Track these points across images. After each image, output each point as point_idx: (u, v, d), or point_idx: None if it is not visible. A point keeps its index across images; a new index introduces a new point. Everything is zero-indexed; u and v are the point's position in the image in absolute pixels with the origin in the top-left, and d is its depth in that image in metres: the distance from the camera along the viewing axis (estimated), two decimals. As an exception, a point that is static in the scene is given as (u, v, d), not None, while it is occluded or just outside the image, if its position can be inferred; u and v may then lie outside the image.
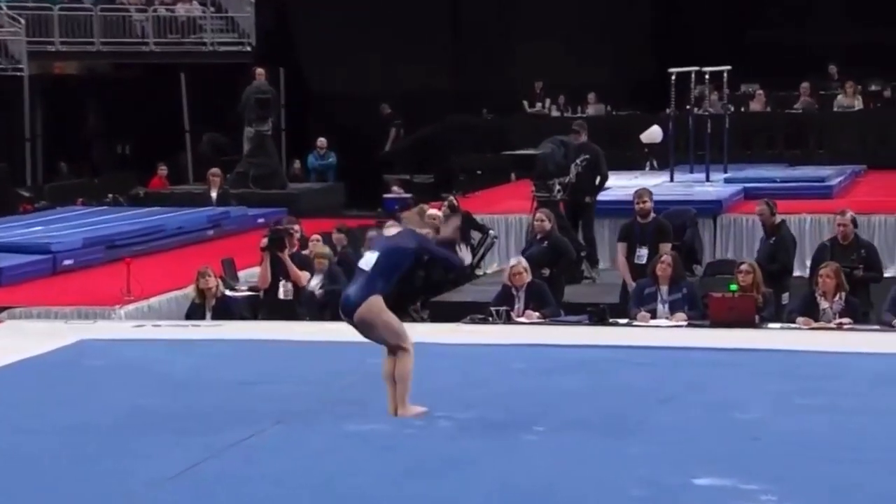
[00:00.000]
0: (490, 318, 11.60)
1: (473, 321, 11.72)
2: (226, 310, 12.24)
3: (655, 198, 18.46)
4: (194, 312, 12.28)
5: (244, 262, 14.81)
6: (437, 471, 6.93)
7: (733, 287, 11.11)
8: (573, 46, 28.20)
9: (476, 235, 17.29)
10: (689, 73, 22.06)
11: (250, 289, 13.77)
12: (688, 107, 22.47)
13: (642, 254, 12.90)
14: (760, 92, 25.83)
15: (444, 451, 7.33)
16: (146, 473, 6.96)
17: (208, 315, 12.14)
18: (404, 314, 14.98)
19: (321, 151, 24.97)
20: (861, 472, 6.71)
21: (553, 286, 12.67)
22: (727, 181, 20.80)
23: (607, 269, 16.78)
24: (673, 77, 21.60)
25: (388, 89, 27.65)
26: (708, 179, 21.18)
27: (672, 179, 21.31)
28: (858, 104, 25.32)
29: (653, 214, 13.14)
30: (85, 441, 7.63)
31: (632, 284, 12.85)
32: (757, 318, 11.01)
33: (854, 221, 12.63)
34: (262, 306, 12.35)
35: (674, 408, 8.17)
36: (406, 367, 7.93)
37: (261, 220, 18.98)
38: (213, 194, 20.01)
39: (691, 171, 22.02)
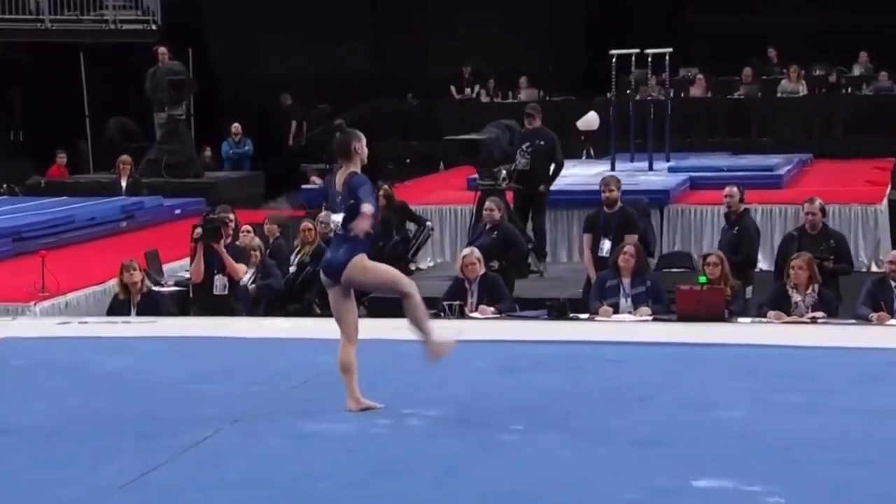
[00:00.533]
0: (442, 314, 11.50)
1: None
2: (152, 305, 12.05)
3: (590, 188, 18.76)
4: (118, 308, 12.08)
5: (164, 256, 14.62)
6: (412, 472, 6.81)
7: (702, 279, 11.12)
8: (503, 29, 28.20)
9: (411, 228, 17.29)
10: (628, 55, 22.13)
11: (176, 283, 13.59)
12: (628, 91, 22.54)
13: (605, 246, 12.82)
14: (701, 77, 26.03)
15: (418, 451, 7.22)
16: (92, 481, 6.75)
17: (133, 311, 11.95)
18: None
19: (236, 138, 24.71)
20: (859, 473, 6.72)
21: (503, 279, 12.60)
22: (671, 170, 20.90)
23: (553, 263, 16.85)
24: (613, 60, 21.66)
25: (304, 72, 27.43)
26: (651, 168, 21.27)
27: (613, 168, 21.36)
28: (803, 90, 25.59)
29: (619, 204, 13.07)
30: (17, 447, 7.40)
31: (594, 278, 12.84)
32: (726, 312, 11.03)
33: (823, 210, 12.71)
34: (195, 302, 12.14)
35: (652, 406, 8.11)
36: (415, 312, 7.88)
37: (177, 212, 18.78)
38: (123, 183, 19.71)
39: (632, 160, 22.11)
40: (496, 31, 28.11)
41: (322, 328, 10.73)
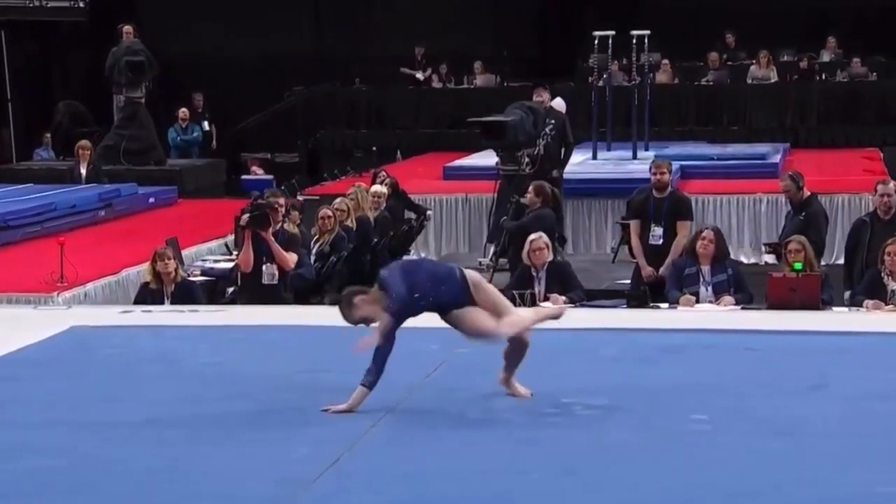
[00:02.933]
0: (514, 304, 11.28)
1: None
2: (187, 295, 11.68)
3: (582, 176, 18.80)
4: (149, 298, 11.69)
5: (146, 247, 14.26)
6: (615, 463, 6.67)
7: (798, 266, 11.04)
8: (454, 11, 28.03)
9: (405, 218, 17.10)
10: (606, 37, 22.02)
11: (202, 273, 13.26)
12: (590, 78, 22.47)
13: (657, 232, 12.74)
14: (666, 62, 26.07)
15: (606, 441, 7.05)
16: (277, 474, 6.50)
17: (167, 300, 11.60)
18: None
19: (183, 124, 24.18)
20: None
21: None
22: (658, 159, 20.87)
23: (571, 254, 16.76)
24: (596, 41, 21.61)
25: (244, 54, 26.99)
26: (635, 157, 21.27)
27: (595, 157, 21.36)
28: (774, 76, 25.79)
29: (670, 188, 12.98)
30: (179, 440, 7.10)
31: (646, 267, 12.76)
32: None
33: None
34: (243, 291, 11.80)
35: (831, 397, 7.95)
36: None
37: (151, 200, 18.36)
38: (83, 171, 19.20)
39: (609, 149, 22.11)
40: (447, 12, 27.93)
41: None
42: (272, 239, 11.58)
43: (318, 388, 8.14)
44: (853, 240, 12.52)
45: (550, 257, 11.84)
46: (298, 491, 6.27)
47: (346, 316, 7.80)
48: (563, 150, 15.89)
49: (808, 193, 13.29)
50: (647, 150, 21.78)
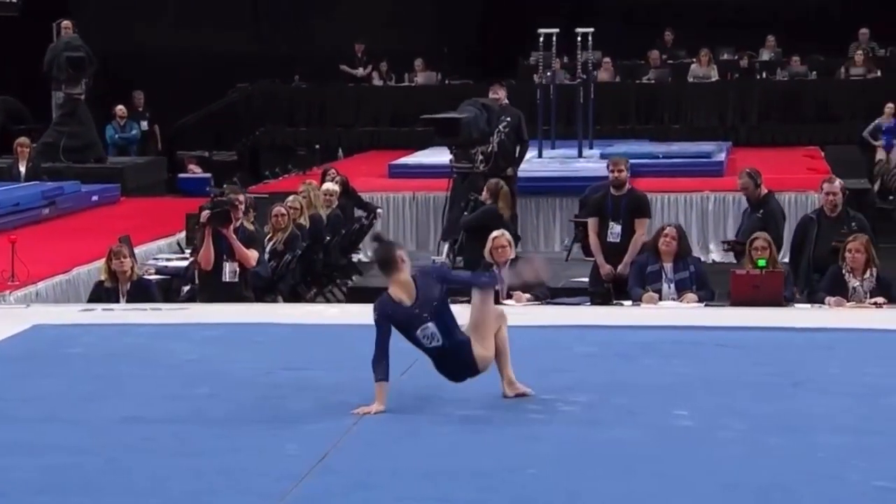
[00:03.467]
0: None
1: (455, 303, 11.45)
2: (143, 293, 11.64)
3: (530, 174, 18.87)
4: (103, 296, 11.63)
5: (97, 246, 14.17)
6: (609, 460, 6.73)
7: (762, 262, 11.16)
8: (393, 7, 28.04)
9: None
10: (551, 34, 22.09)
11: (157, 272, 13.21)
12: (546, 73, 22.56)
13: (616, 230, 12.80)
14: (607, 60, 26.20)
15: (597, 439, 7.10)
16: (269, 469, 6.53)
17: (122, 299, 11.54)
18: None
19: (121, 122, 24.00)
20: None
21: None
22: (605, 157, 20.96)
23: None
24: (541, 38, 21.69)
25: (184, 51, 26.82)
26: (581, 155, 21.41)
27: (541, 155, 21.45)
28: (714, 75, 26.02)
29: (628, 186, 13.06)
30: (164, 437, 7.09)
31: (604, 265, 12.81)
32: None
33: (844, 190, 12.82)
34: (203, 289, 11.76)
35: (816, 392, 8.05)
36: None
37: (94, 199, 18.24)
38: (22, 169, 19.02)
39: (553, 147, 22.21)
40: (387, 9, 27.94)
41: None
42: (234, 236, 11.55)
43: (299, 386, 8.21)
44: (799, 237, 12.69)
45: (513, 255, 11.88)
46: (289, 487, 6.28)
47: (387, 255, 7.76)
48: (518, 148, 15.91)
49: (766, 191, 13.44)
50: (591, 148, 21.94)
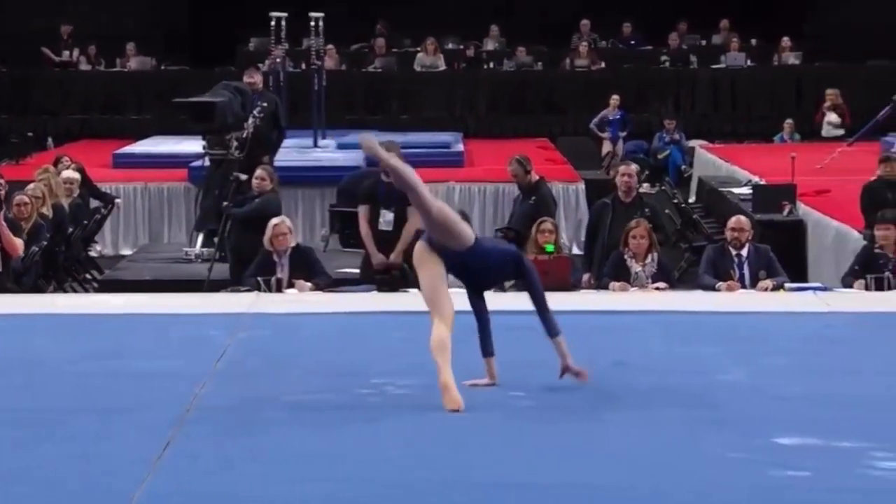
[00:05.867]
0: (260, 290, 11.51)
1: (237, 292, 11.63)
2: None
3: (286, 164, 18.97)
4: None
5: None
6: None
7: (550, 248, 11.65)
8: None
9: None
10: (280, 18, 22.18)
11: None
12: (266, 60, 22.68)
13: (389, 218, 13.01)
14: (331, 47, 26.44)
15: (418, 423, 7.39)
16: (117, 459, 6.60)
17: None
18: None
19: None
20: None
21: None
22: (342, 147, 21.32)
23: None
24: (272, 23, 21.78)
25: None
26: (316, 145, 21.66)
27: (279, 143, 21.56)
28: (441, 64, 26.63)
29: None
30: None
31: (375, 254, 13.01)
32: (565, 282, 11.60)
33: (639, 175, 13.40)
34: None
35: (640, 372, 8.44)
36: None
37: None
38: None
39: (286, 137, 22.31)
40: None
41: (171, 304, 10.73)
42: (3, 223, 11.41)
43: (116, 375, 8.26)
44: (594, 222, 13.20)
45: (294, 243, 12.08)
46: (145, 474, 6.36)
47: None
48: (275, 135, 16.06)
49: (537, 177, 13.96)
50: (324, 137, 22.22)
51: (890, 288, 11.59)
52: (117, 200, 17.17)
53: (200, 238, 15.34)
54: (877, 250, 12.01)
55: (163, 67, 26.58)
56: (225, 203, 13.88)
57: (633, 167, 13.20)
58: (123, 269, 15.52)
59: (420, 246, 7.96)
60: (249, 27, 26.40)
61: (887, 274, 11.73)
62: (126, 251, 17.99)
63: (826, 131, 23.74)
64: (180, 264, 15.32)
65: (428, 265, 7.87)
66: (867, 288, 11.58)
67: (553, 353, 8.04)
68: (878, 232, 12.13)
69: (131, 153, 21.19)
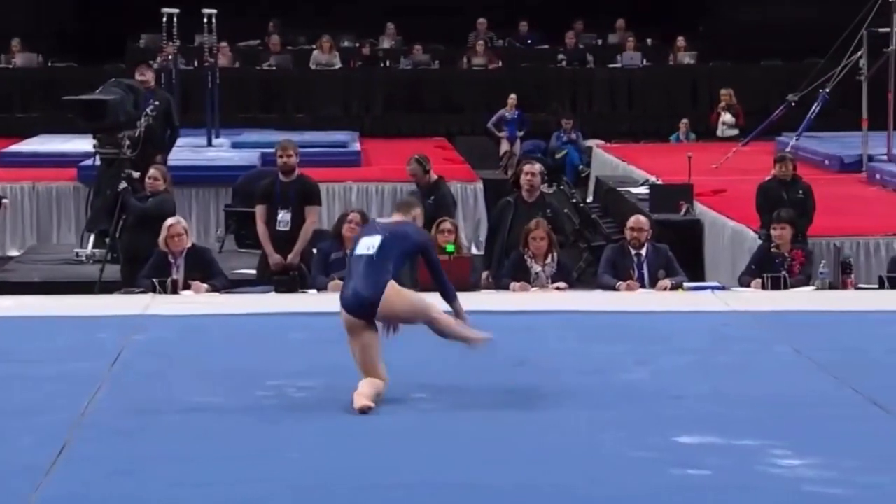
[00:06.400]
0: (155, 292, 11.44)
1: (131, 294, 11.57)
2: None
3: (179, 163, 18.85)
4: None
5: None
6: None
7: (450, 248, 11.70)
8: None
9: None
10: (172, 14, 21.98)
11: None
12: (155, 61, 22.50)
13: (286, 218, 12.99)
14: (225, 45, 26.29)
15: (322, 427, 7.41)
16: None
17: None
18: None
19: None
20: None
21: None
22: (237, 146, 21.26)
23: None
24: (164, 19, 21.58)
25: None
26: (210, 144, 21.55)
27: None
28: (338, 62, 26.60)
29: (297, 172, 13.29)
30: None
31: (273, 255, 12.98)
32: (465, 283, 11.65)
33: (543, 175, 13.45)
34: None
35: (541, 373, 8.51)
36: (446, 330, 7.97)
37: None
38: None
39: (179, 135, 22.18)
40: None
41: (63, 306, 10.67)
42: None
43: (9, 378, 8.26)
44: (495, 221, 13.24)
45: (189, 243, 12.02)
46: (40, 480, 6.33)
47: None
48: (168, 134, 15.97)
49: (436, 177, 14.01)
50: (218, 136, 22.12)
51: (786, 287, 11.81)
52: (4, 200, 16.82)
53: (92, 239, 15.21)
54: (773, 249, 12.24)
55: (50, 64, 26.28)
56: (122, 187, 13.71)
57: (538, 166, 13.24)
58: (11, 271, 15.37)
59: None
60: (140, 24, 26.21)
61: (783, 273, 11.97)
62: (13, 252, 17.77)
63: (721, 131, 24.04)
64: (71, 265, 15.19)
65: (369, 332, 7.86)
66: (764, 287, 11.80)
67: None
68: (774, 231, 12.38)
69: (18, 152, 20.95)
